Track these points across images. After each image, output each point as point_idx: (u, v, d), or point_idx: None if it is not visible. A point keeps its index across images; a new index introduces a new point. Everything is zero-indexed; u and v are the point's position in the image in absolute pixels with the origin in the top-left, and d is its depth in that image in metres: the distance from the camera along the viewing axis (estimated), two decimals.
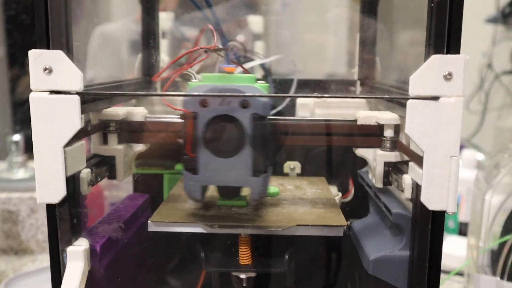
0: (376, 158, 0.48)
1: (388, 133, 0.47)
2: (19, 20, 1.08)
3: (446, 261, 0.85)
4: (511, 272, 0.62)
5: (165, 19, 0.69)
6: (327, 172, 0.59)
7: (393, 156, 0.47)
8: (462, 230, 0.96)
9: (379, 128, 0.47)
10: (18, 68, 1.16)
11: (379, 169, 0.47)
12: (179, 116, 0.45)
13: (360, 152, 0.49)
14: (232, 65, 0.45)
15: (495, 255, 0.66)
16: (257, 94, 0.42)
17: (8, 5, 1.09)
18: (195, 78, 0.46)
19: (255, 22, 0.87)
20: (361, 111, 0.49)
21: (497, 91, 1.48)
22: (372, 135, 0.48)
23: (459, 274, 0.79)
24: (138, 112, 0.48)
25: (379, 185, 0.48)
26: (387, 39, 0.63)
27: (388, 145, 0.47)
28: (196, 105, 0.42)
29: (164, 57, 0.71)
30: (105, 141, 0.48)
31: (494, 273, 0.64)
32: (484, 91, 1.48)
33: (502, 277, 0.61)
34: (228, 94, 0.42)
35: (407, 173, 0.42)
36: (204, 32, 0.57)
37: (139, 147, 0.50)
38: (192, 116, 0.42)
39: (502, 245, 0.65)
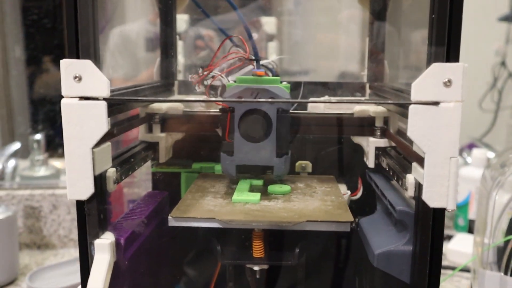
0: (369, 144, 0.57)
1: (379, 123, 0.57)
2: (42, 24, 1.13)
3: (456, 258, 0.87)
4: None
5: (180, 21, 0.71)
6: (337, 171, 0.62)
7: (383, 142, 0.56)
8: (472, 227, 0.97)
9: (371, 119, 0.57)
10: (37, 68, 1.19)
11: (371, 153, 0.57)
12: (218, 110, 0.55)
13: (356, 139, 0.59)
14: (261, 70, 0.54)
15: (501, 252, 0.67)
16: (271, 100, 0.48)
17: (31, 9, 1.14)
18: (228, 80, 0.55)
19: (268, 23, 0.89)
20: (357, 106, 0.57)
21: (511, 89, 1.47)
22: (365, 125, 0.57)
23: (467, 270, 0.81)
24: (176, 107, 0.59)
25: (371, 165, 0.57)
26: (395, 43, 0.65)
27: (378, 133, 0.57)
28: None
29: (181, 59, 0.74)
30: (150, 130, 0.59)
31: (500, 270, 0.65)
32: (497, 89, 1.47)
33: (505, 273, 0.63)
34: (242, 100, 0.50)
35: (407, 171, 0.45)
36: (218, 30, 0.62)
37: (177, 136, 0.61)
38: (230, 110, 0.52)
39: (507, 242, 0.66)
